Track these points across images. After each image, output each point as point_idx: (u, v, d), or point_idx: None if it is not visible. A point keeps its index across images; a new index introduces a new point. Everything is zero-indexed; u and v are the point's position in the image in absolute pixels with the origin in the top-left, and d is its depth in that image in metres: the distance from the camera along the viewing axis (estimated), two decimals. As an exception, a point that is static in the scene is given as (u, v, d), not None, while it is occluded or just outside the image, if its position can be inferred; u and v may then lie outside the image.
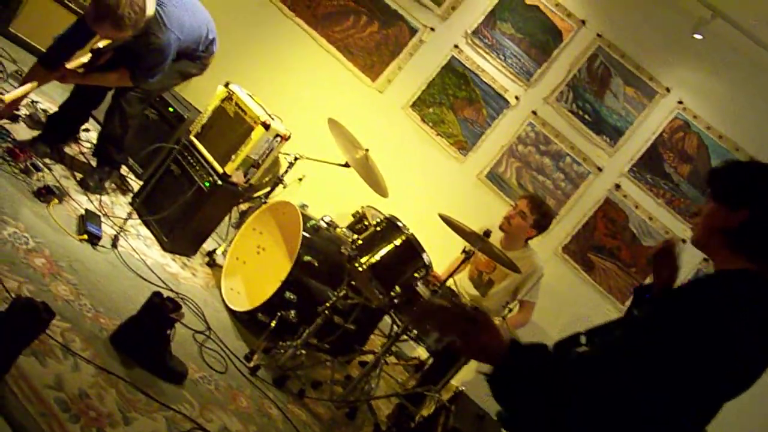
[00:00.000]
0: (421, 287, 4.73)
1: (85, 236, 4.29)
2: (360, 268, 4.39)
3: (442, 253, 5.33)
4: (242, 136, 4.98)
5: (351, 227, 5.21)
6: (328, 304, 4.53)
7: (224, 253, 5.30)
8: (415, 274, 4.51)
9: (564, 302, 6.22)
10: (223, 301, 4.93)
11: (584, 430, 1.93)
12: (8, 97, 4.46)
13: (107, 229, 4.57)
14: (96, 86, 5.09)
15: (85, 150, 5.35)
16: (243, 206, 5.92)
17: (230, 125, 5.09)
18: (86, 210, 4.59)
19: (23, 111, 5.14)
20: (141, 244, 4.80)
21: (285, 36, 7.12)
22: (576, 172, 6.36)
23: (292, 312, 4.62)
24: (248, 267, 5.16)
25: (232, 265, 5.13)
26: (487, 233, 4.46)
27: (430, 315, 2.32)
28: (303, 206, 5.42)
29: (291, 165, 5.46)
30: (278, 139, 5.05)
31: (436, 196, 6.51)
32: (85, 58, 4.98)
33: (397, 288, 4.43)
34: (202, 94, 6.19)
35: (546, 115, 6.46)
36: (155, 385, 3.58)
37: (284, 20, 7.13)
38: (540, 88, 6.52)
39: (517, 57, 6.57)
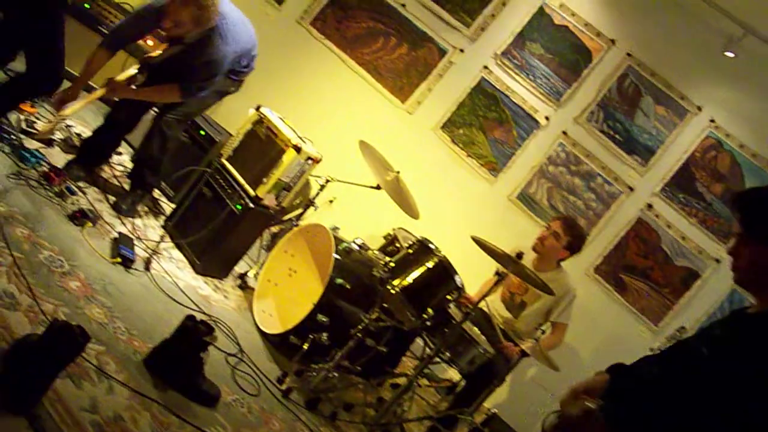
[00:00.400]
0: (453, 309, 4.72)
1: (119, 259, 4.33)
2: (392, 291, 4.39)
3: (473, 274, 5.30)
4: (274, 159, 5.00)
5: (383, 249, 5.22)
6: (360, 327, 4.52)
7: (256, 275, 5.32)
8: (448, 296, 4.51)
9: (596, 323, 6.17)
10: (255, 323, 4.94)
11: None
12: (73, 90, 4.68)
13: (140, 252, 4.60)
14: (131, 111, 5.14)
15: (117, 173, 5.39)
16: (274, 228, 5.93)
17: (262, 148, 5.11)
18: (119, 233, 4.63)
19: (58, 135, 5.20)
20: (173, 267, 4.83)
21: (315, 58, 7.16)
22: (607, 192, 6.33)
23: (324, 334, 4.62)
24: (280, 289, 5.17)
25: (264, 288, 5.14)
26: (520, 255, 4.43)
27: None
28: (335, 229, 5.42)
29: (322, 187, 5.48)
30: (309, 161, 5.06)
31: (467, 218, 6.50)
32: (133, 69, 5.05)
33: (430, 310, 4.42)
34: (233, 117, 6.22)
35: (576, 135, 6.44)
36: (188, 407, 3.59)
37: (314, 43, 7.17)
38: (570, 108, 6.49)
39: (547, 77, 6.56)
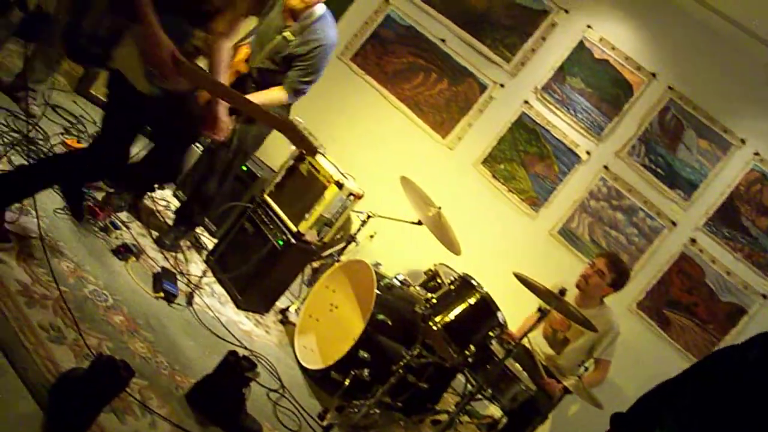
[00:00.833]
0: (495, 345, 4.69)
1: (161, 294, 4.36)
2: (434, 327, 4.37)
3: (515, 310, 5.27)
4: (316, 195, 5.03)
5: (424, 285, 5.21)
6: (401, 363, 4.50)
7: (297, 310, 5.33)
8: (490, 333, 4.48)
9: (639, 360, 6.08)
10: (297, 358, 4.94)
11: None
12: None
13: (182, 287, 4.63)
14: (173, 149, 5.17)
15: (160, 208, 5.44)
16: (315, 264, 5.95)
17: (303, 184, 5.14)
18: (162, 268, 4.67)
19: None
20: (215, 302, 4.86)
21: (356, 94, 7.21)
22: (650, 226, 6.27)
23: (366, 370, 4.61)
24: (321, 325, 5.17)
25: (306, 323, 5.15)
26: (563, 292, 4.40)
27: None
28: (376, 265, 5.42)
29: (363, 223, 5.49)
30: (351, 197, 5.09)
31: (509, 253, 6.47)
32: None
33: (472, 347, 4.39)
34: (275, 153, 6.27)
35: (618, 169, 6.40)
36: (230, 443, 3.60)
37: (355, 78, 7.22)
38: (611, 142, 6.46)
39: (588, 111, 6.54)
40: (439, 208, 5.42)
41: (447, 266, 5.61)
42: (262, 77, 5.08)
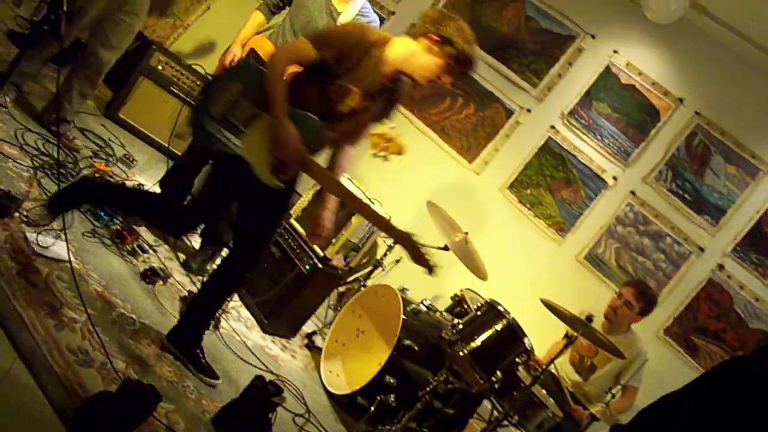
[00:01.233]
0: (522, 372, 4.66)
1: (189, 318, 4.36)
2: (461, 353, 4.35)
3: (542, 336, 5.24)
4: (342, 220, 5.04)
5: (450, 310, 5.20)
6: (428, 389, 4.48)
7: (323, 335, 5.32)
8: (517, 359, 4.45)
9: (667, 387, 5.91)
10: (323, 383, 4.94)
11: None
12: None
13: (209, 312, 4.63)
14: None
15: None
16: (341, 288, 5.95)
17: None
18: (189, 291, 4.68)
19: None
20: (242, 326, 4.86)
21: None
22: (677, 252, 6.23)
23: (392, 396, 4.59)
24: (347, 350, 5.17)
25: (332, 348, 5.14)
26: (590, 318, 4.37)
27: None
28: (403, 290, 5.41)
29: (390, 248, 5.49)
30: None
31: (535, 278, 6.44)
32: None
33: (498, 373, 4.36)
34: (302, 178, 6.28)
35: (645, 194, 6.37)
36: (257, 468, 3.59)
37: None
38: (638, 167, 6.44)
39: (614, 137, 6.52)
40: (466, 233, 5.42)
41: (473, 292, 5.60)
42: None
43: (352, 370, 5.03)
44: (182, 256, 5.09)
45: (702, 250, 6.15)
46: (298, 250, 5.12)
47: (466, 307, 5.22)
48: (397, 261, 6.08)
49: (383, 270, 5.65)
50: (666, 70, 6.49)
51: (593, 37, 6.73)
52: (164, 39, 7.65)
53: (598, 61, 6.69)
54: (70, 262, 3.78)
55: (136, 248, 4.63)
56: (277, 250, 5.22)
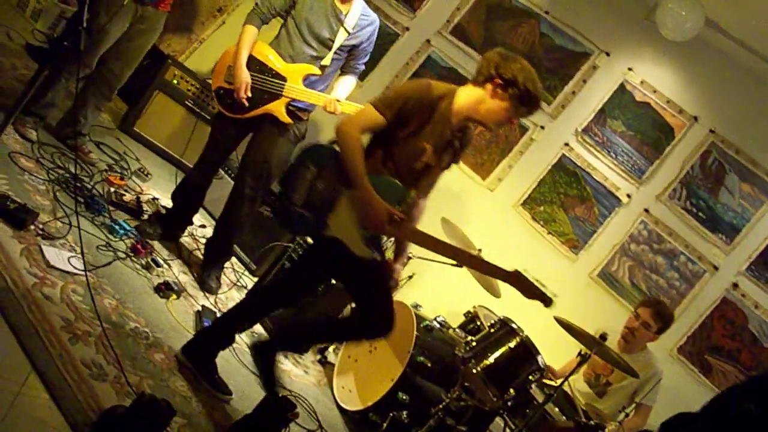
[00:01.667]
0: (535, 390, 4.65)
1: (202, 332, 4.37)
2: (474, 370, 4.34)
3: (556, 354, 5.23)
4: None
5: (463, 327, 5.19)
6: (440, 406, 4.47)
7: (336, 351, 5.32)
8: (530, 377, 4.44)
9: (680, 406, 5.93)
10: (335, 399, 4.94)
11: None
12: None
13: (222, 326, 4.64)
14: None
15: (201, 245, 5.47)
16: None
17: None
18: (202, 306, 4.70)
19: (146, 208, 5.31)
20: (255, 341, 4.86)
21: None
22: (691, 271, 6.21)
23: (405, 412, 4.59)
24: (360, 366, 5.16)
25: (344, 364, 5.15)
26: (604, 337, 4.36)
27: None
28: (416, 306, 5.40)
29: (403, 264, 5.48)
30: (391, 238, 5.08)
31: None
32: None
33: (512, 390, 4.36)
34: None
35: (659, 213, 6.35)
36: (269, 484, 3.58)
37: (395, 119, 7.23)
38: (652, 185, 6.42)
39: (628, 154, 6.51)
40: (480, 250, 5.41)
41: (487, 309, 5.59)
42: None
43: (365, 386, 5.02)
44: (197, 274, 5.10)
45: (716, 268, 6.13)
46: (311, 266, 5.12)
47: (479, 324, 5.22)
48: (410, 277, 6.07)
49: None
50: (681, 88, 6.48)
51: (608, 54, 6.73)
52: (179, 53, 7.70)
53: (612, 78, 6.69)
54: (85, 275, 3.80)
55: (151, 262, 4.65)
56: (291, 266, 5.23)
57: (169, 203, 5.38)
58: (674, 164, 6.38)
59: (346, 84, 5.14)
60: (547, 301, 3.51)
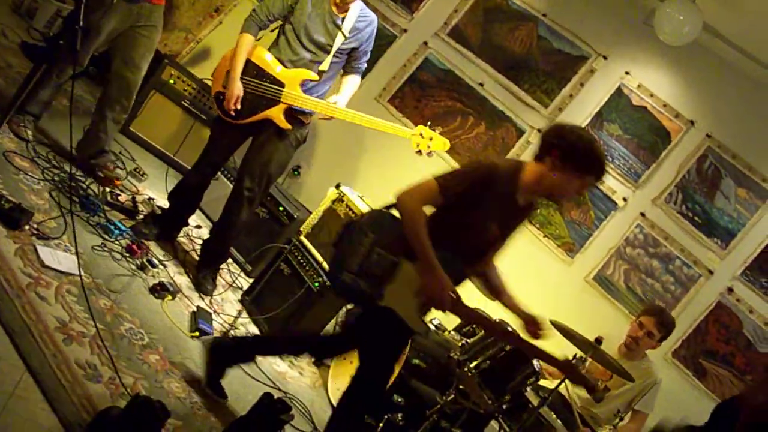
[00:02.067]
0: (530, 393, 4.65)
1: (197, 333, 4.37)
2: (469, 373, 4.34)
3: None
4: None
5: (458, 330, 5.18)
6: (436, 408, 4.46)
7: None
8: (525, 380, 4.44)
9: (674, 409, 5.98)
10: (330, 401, 4.93)
11: None
12: None
13: (218, 326, 4.64)
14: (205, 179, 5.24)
15: (197, 246, 5.46)
16: (349, 306, 5.93)
17: (341, 226, 5.13)
18: (198, 307, 4.69)
19: (142, 208, 5.30)
20: (250, 343, 4.85)
21: (393, 136, 7.20)
22: (686, 275, 6.20)
23: (400, 415, 4.58)
24: (355, 368, 5.14)
25: (340, 366, 5.14)
26: (599, 340, 4.36)
27: None
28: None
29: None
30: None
31: (543, 298, 6.38)
32: None
33: (507, 394, 4.35)
34: (312, 195, 6.29)
35: (655, 216, 6.35)
36: (263, 487, 3.58)
37: (392, 120, 7.22)
38: (648, 189, 6.42)
39: (625, 158, 6.51)
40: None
41: (482, 312, 5.58)
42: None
43: (360, 388, 5.01)
44: (192, 272, 5.09)
45: (711, 273, 6.13)
46: (307, 268, 5.12)
47: (475, 327, 5.21)
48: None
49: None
50: (678, 92, 6.48)
51: (605, 58, 6.73)
52: (176, 53, 7.68)
53: (609, 82, 6.69)
54: (80, 275, 3.79)
55: (146, 263, 4.64)
56: (287, 267, 5.22)
57: (165, 203, 5.37)
58: (670, 168, 6.37)
59: (352, 84, 5.16)
60: (592, 389, 3.76)
